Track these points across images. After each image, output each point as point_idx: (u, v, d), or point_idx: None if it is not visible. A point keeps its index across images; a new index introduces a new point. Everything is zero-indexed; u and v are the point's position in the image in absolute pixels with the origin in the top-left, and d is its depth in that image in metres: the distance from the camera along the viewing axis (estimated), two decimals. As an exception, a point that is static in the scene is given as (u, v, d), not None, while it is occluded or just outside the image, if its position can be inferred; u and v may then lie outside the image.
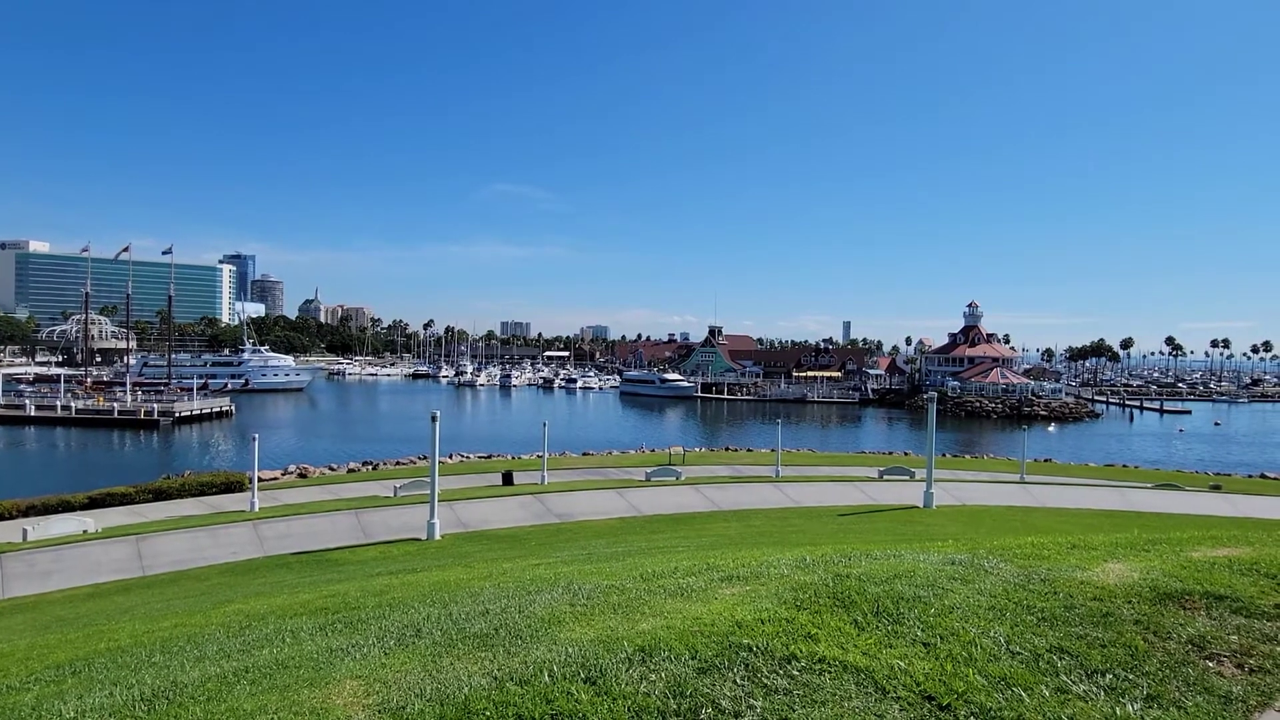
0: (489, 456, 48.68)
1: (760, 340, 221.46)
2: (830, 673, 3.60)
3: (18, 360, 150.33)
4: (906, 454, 54.74)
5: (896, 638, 4.09)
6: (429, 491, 18.72)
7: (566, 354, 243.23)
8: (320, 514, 22.28)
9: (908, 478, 31.11)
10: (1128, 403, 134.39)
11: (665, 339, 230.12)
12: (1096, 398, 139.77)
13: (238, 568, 16.00)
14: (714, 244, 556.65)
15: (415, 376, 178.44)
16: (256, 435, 31.91)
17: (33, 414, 75.43)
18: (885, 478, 31.27)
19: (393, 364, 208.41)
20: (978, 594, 4.88)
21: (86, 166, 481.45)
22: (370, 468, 42.23)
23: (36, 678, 5.51)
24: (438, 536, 18.11)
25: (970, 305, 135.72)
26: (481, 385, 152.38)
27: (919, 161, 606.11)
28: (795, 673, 3.60)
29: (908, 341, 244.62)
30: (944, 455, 50.85)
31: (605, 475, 35.96)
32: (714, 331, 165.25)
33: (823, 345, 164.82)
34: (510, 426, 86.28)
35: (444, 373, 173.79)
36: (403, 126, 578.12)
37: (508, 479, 31.59)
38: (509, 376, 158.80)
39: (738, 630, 4.15)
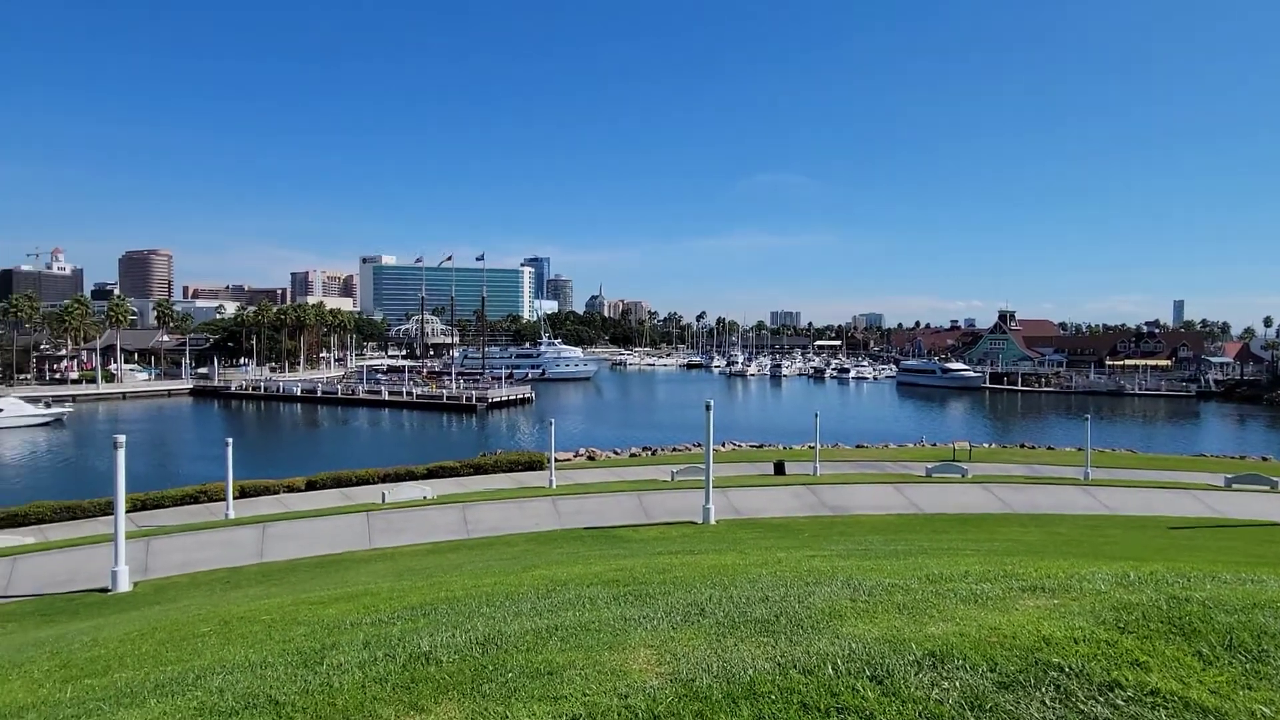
0: (760, 446, 49.07)
1: (1063, 325, 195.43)
2: (1166, 708, 3.11)
3: (375, 354, 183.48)
4: (1265, 459, 45.02)
5: (1258, 679, 3.41)
6: (704, 477, 19.36)
7: (838, 343, 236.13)
8: (606, 494, 24.21)
9: (1268, 488, 25.59)
10: None
11: (947, 326, 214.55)
12: None
13: (540, 537, 17.94)
14: (999, 221, 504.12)
15: (689, 366, 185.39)
16: (553, 420, 35.52)
17: (386, 398, 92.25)
18: (1235, 487, 26.00)
19: (668, 355, 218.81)
20: (1381, 638, 3.89)
21: (421, 174, 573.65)
22: (649, 453, 44.89)
23: (398, 615, 6.71)
24: (713, 521, 18.71)
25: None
26: (752, 375, 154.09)
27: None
28: (1119, 702, 3.16)
29: (1266, 323, 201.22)
30: (1322, 463, 40.90)
31: (881, 469, 34.45)
32: (1005, 316, 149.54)
33: (1146, 329, 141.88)
34: (781, 416, 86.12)
35: (716, 363, 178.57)
36: (661, 123, 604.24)
37: (779, 468, 31.66)
38: (779, 366, 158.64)
39: (1045, 646, 3.75)
